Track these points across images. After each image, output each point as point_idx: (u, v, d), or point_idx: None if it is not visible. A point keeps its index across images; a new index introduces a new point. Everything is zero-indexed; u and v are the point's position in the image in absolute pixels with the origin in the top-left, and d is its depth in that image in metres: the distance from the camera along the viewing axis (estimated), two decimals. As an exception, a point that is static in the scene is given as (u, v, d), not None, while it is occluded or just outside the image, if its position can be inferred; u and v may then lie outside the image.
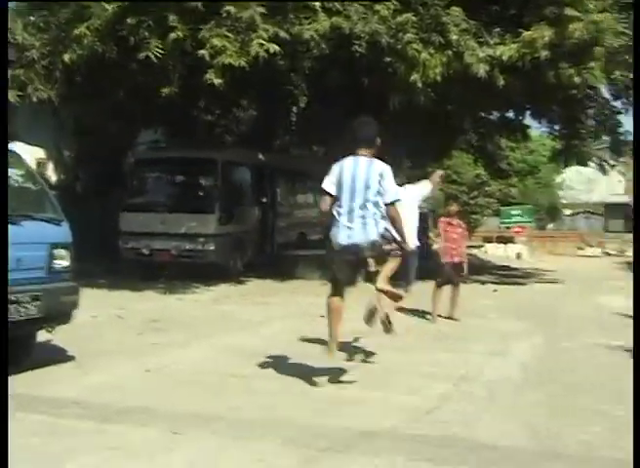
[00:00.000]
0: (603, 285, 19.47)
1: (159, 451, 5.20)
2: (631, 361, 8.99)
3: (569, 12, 14.26)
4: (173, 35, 12.95)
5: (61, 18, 14.20)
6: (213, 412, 6.17)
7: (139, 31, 13.19)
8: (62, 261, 7.61)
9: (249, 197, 19.48)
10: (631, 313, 13.26)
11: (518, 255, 33.31)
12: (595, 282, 20.28)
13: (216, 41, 12.76)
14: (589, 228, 55.24)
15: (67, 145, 21.74)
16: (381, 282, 6.79)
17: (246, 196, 19.34)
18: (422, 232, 22.70)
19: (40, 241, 7.31)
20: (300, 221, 21.86)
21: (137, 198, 18.62)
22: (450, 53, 13.98)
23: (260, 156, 20.28)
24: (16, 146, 9.72)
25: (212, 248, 17.32)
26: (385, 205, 6.73)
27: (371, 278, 7.09)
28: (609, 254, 37.05)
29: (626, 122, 20.76)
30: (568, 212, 59.68)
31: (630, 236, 44.51)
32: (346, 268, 6.91)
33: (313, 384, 7.21)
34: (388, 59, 14.12)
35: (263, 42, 12.97)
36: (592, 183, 54.01)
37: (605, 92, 19.28)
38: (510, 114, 22.60)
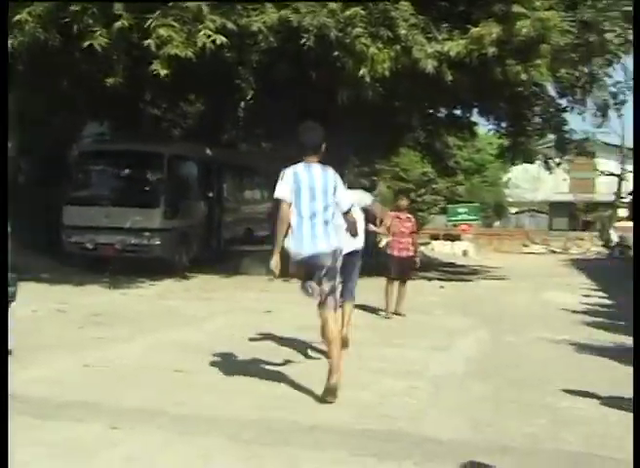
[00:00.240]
0: (549, 281, 19.65)
1: (98, 447, 5.05)
2: (576, 354, 9.11)
3: (516, 9, 14.34)
4: (118, 24, 12.67)
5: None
6: (156, 407, 6.03)
7: (83, 19, 12.87)
8: None
9: (195, 192, 19.27)
10: (578, 309, 13.48)
11: (464, 253, 33.54)
12: (541, 279, 20.47)
13: (162, 31, 12.53)
14: (535, 226, 55.94)
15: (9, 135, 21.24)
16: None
17: (192, 191, 19.13)
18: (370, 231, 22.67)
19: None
20: (247, 217, 21.72)
21: (81, 191, 18.27)
22: (398, 48, 13.94)
23: (208, 151, 20.08)
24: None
25: (157, 242, 17.08)
26: (343, 213, 6.65)
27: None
28: (553, 252, 37.52)
29: (571, 120, 21.03)
30: (514, 210, 60.39)
31: (574, 234, 45.35)
32: (313, 274, 6.64)
33: (258, 380, 7.09)
34: (337, 53, 14.01)
35: (210, 33, 12.78)
36: (538, 182, 54.67)
37: (551, 89, 19.47)
38: (458, 111, 22.72)
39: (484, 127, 23.23)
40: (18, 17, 12.76)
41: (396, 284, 12.18)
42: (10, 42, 13.05)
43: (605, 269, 26.05)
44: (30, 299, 11.95)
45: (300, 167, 6.50)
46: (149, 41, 12.65)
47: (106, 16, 12.88)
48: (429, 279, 18.61)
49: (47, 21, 13.11)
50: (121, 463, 4.76)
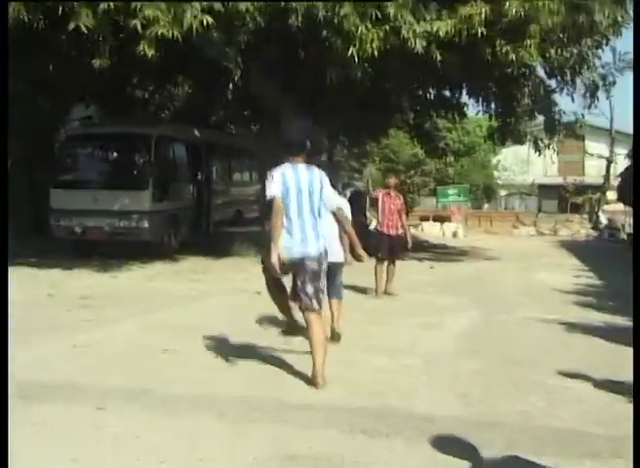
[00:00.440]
0: (538, 262, 19.67)
1: (85, 427, 5.02)
2: (566, 333, 9.11)
3: (505, -12, 14.23)
4: (103, 5, 12.51)
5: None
6: (143, 387, 6.00)
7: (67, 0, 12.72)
8: None
9: (184, 174, 19.11)
10: (567, 289, 13.50)
11: (454, 234, 33.52)
12: (531, 260, 20.47)
13: (148, 11, 12.37)
14: (524, 209, 55.96)
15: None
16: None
17: (181, 173, 18.98)
18: (360, 211, 22.69)
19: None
20: (237, 199, 21.60)
21: (68, 174, 18.09)
22: (387, 27, 13.80)
23: (196, 132, 19.93)
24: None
25: (145, 225, 16.94)
26: (332, 212, 6.57)
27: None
28: (543, 234, 37.50)
29: (560, 101, 20.96)
30: (503, 192, 60.37)
31: (563, 216, 45.38)
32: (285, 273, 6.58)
33: (247, 358, 7.05)
34: (325, 33, 13.89)
35: (197, 13, 12.64)
36: (527, 165, 54.64)
37: (540, 71, 19.37)
38: (447, 93, 22.60)
39: (473, 108, 23.06)
40: (0, -2, 12.59)
41: (385, 264, 12.14)
42: (-7, 25, 12.91)
43: (594, 251, 26.09)
44: (19, 284, 11.93)
45: (286, 168, 6.39)
46: (135, 21, 12.49)
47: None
48: (419, 259, 18.59)
49: (30, 4, 12.93)
50: (107, 443, 4.73)
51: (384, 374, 6.62)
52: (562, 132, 21.28)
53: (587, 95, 19.08)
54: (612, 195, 42.64)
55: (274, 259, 6.11)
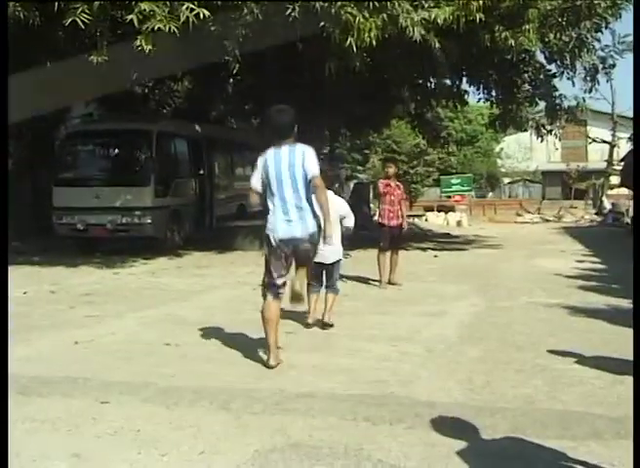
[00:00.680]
0: (542, 249, 19.63)
1: (85, 421, 5.00)
2: (570, 317, 9.09)
3: (503, -27, 14.21)
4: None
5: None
6: (144, 380, 5.98)
7: (62, -5, 12.70)
8: None
9: (186, 169, 19.14)
10: (571, 274, 13.46)
11: (458, 223, 33.49)
12: (535, 246, 20.45)
13: (144, 5, 12.34)
14: (528, 196, 55.90)
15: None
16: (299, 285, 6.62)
17: (183, 168, 19.00)
18: (363, 204, 22.63)
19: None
20: (240, 193, 21.55)
21: (70, 172, 18.09)
22: (384, 16, 13.73)
23: (197, 127, 19.93)
24: None
25: (148, 221, 16.97)
26: (309, 180, 6.38)
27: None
28: (547, 221, 37.43)
29: (560, 86, 20.84)
30: (507, 180, 60.30)
31: (568, 202, 45.30)
32: (282, 261, 6.59)
33: (250, 350, 7.04)
34: (322, 24, 13.82)
35: (194, 7, 12.60)
36: (530, 152, 54.56)
37: (540, 56, 19.30)
38: (447, 81, 22.52)
39: (474, 96, 22.99)
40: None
41: (388, 254, 12.11)
42: (-11, 23, 12.88)
43: (598, 236, 26.03)
44: (22, 282, 11.98)
45: (269, 152, 6.42)
46: (131, 16, 12.47)
47: (88, -9, 12.69)
48: (423, 249, 18.57)
49: (25, 0, 12.90)
50: (108, 437, 4.71)
51: (386, 363, 6.59)
52: (564, 117, 21.17)
53: (588, 78, 18.97)
54: (615, 180, 42.54)
55: None
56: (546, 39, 16.92)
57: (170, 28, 12.43)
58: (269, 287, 6.57)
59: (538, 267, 14.97)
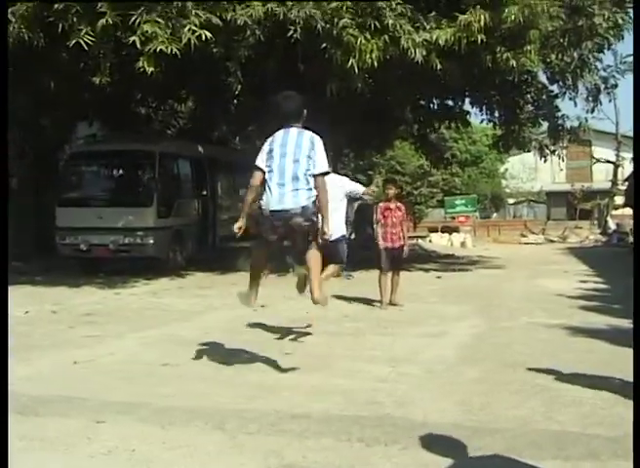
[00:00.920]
0: (546, 269, 19.59)
1: (80, 440, 4.99)
2: (570, 337, 9.05)
3: (504, -5, 14.27)
4: (102, 21, 12.58)
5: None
6: (140, 400, 5.97)
7: (67, 17, 12.79)
8: None
9: (189, 190, 19.20)
10: (573, 294, 13.42)
11: (462, 244, 33.41)
12: (538, 267, 20.41)
13: (146, 27, 12.45)
14: (533, 216, 55.88)
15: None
16: (316, 289, 6.64)
17: (185, 189, 19.06)
18: (367, 224, 22.58)
19: None
20: (242, 214, 21.59)
21: (73, 192, 18.16)
22: (386, 37, 13.83)
23: (200, 148, 20.00)
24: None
25: (151, 241, 17.00)
26: (313, 176, 6.49)
27: (301, 261, 6.90)
28: (552, 241, 37.36)
29: (563, 107, 20.89)
30: (511, 200, 60.27)
31: (573, 223, 45.24)
32: (274, 235, 6.66)
33: (249, 371, 7.03)
34: (324, 45, 13.92)
35: (195, 29, 12.70)
36: (535, 172, 54.58)
37: (542, 76, 19.39)
38: (450, 102, 22.61)
39: (477, 117, 23.05)
40: (0, 17, 12.68)
41: (389, 275, 12.10)
42: (-6, 43, 12.98)
43: (602, 256, 25.96)
44: (24, 301, 11.99)
45: (278, 133, 6.60)
46: (134, 38, 12.57)
47: (91, 13, 12.79)
48: (426, 270, 18.54)
49: (31, 21, 13.02)
50: (101, 457, 4.70)
51: (384, 384, 6.56)
52: (566, 137, 21.22)
53: (590, 98, 19.03)
54: (620, 200, 42.52)
55: (237, 226, 6.68)
56: (548, 60, 17.02)
57: (172, 50, 12.51)
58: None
59: (540, 287, 14.93)
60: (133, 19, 12.62)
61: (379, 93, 16.84)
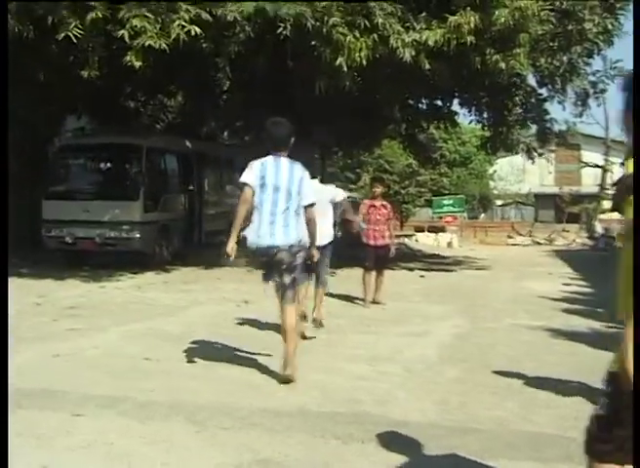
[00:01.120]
0: (531, 271, 19.65)
1: (58, 434, 5.01)
2: (551, 339, 9.10)
3: (495, -3, 14.30)
4: (92, 15, 12.55)
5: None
6: (121, 394, 5.99)
7: (57, 10, 12.75)
8: None
9: (175, 184, 19.18)
10: (557, 297, 13.48)
11: (449, 244, 33.46)
12: (523, 268, 20.47)
13: (135, 21, 12.42)
14: (520, 218, 56.01)
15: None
16: (290, 363, 6.57)
17: (172, 183, 19.04)
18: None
19: None
20: (229, 209, 21.58)
21: (60, 185, 18.09)
22: (375, 36, 13.84)
23: (188, 143, 19.97)
24: None
25: (137, 235, 16.95)
26: (304, 207, 6.58)
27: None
28: (538, 244, 37.45)
29: (551, 110, 20.95)
30: (499, 202, 60.42)
31: (560, 226, 45.38)
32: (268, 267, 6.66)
33: (230, 366, 7.05)
34: (314, 43, 13.92)
35: (185, 24, 12.67)
36: (523, 174, 54.71)
37: (531, 79, 19.43)
38: (439, 102, 22.64)
39: (466, 118, 23.06)
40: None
41: (373, 273, 12.14)
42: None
43: (588, 260, 26.02)
44: (9, 294, 11.92)
45: (268, 159, 6.53)
46: (123, 31, 12.54)
47: (80, 7, 12.76)
48: (411, 269, 18.58)
49: (20, 14, 12.97)
50: (79, 450, 4.72)
51: (363, 382, 6.60)
52: (554, 140, 21.30)
53: (578, 103, 19.11)
54: (607, 204, 42.64)
55: (229, 248, 6.40)
56: (537, 63, 17.07)
57: (160, 45, 12.49)
58: (280, 294, 6.64)
59: (525, 289, 14.98)
60: (122, 13, 12.58)
61: (367, 91, 16.83)
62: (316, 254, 6.98)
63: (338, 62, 13.67)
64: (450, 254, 26.69)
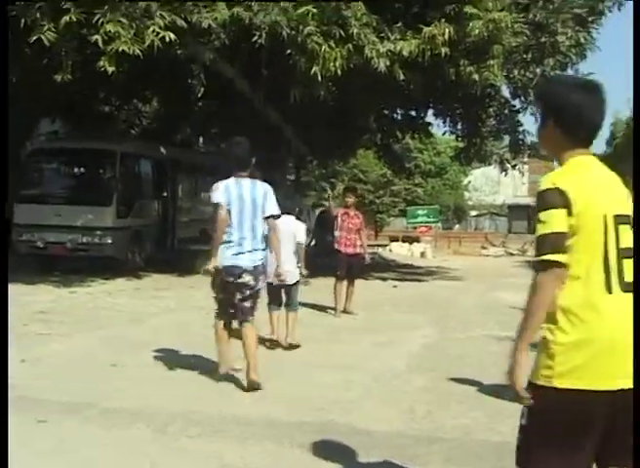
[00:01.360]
0: (503, 282, 19.69)
1: (21, 440, 4.94)
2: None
3: (469, 9, 14.40)
4: (66, 18, 12.47)
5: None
6: (86, 401, 5.96)
7: (30, 12, 12.66)
8: None
9: (149, 190, 19.07)
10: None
11: (422, 254, 33.51)
12: (496, 279, 20.54)
13: (109, 26, 12.35)
14: (494, 229, 56.36)
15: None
16: (252, 370, 6.58)
17: (146, 189, 18.93)
18: (327, 232, 22.62)
19: None
20: (203, 217, 21.53)
21: (31, 189, 17.92)
22: (350, 46, 13.89)
23: (162, 149, 19.89)
24: None
25: (109, 241, 16.84)
26: (265, 218, 6.64)
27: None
28: (511, 254, 37.64)
29: (525, 122, 21.07)
30: (474, 213, 60.76)
31: (533, 237, 45.68)
32: (227, 290, 6.71)
33: (196, 374, 7.03)
34: (289, 51, 13.95)
35: (159, 30, 12.62)
36: (497, 185, 55.10)
37: (504, 91, 19.56)
38: (413, 113, 22.73)
39: (440, 129, 23.15)
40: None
41: (345, 283, 12.15)
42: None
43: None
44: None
45: (230, 181, 6.56)
46: (96, 36, 12.47)
47: (54, 10, 12.67)
48: (384, 279, 18.60)
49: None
50: (43, 457, 4.70)
51: (331, 391, 6.60)
52: (527, 152, 21.45)
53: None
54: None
55: (211, 267, 6.49)
56: (511, 75, 17.23)
57: (134, 51, 12.43)
58: (240, 317, 6.79)
59: (496, 300, 15.02)
60: (96, 17, 12.52)
61: (342, 101, 16.88)
62: (282, 272, 7.26)
63: (312, 72, 13.69)
64: (423, 265, 26.76)
